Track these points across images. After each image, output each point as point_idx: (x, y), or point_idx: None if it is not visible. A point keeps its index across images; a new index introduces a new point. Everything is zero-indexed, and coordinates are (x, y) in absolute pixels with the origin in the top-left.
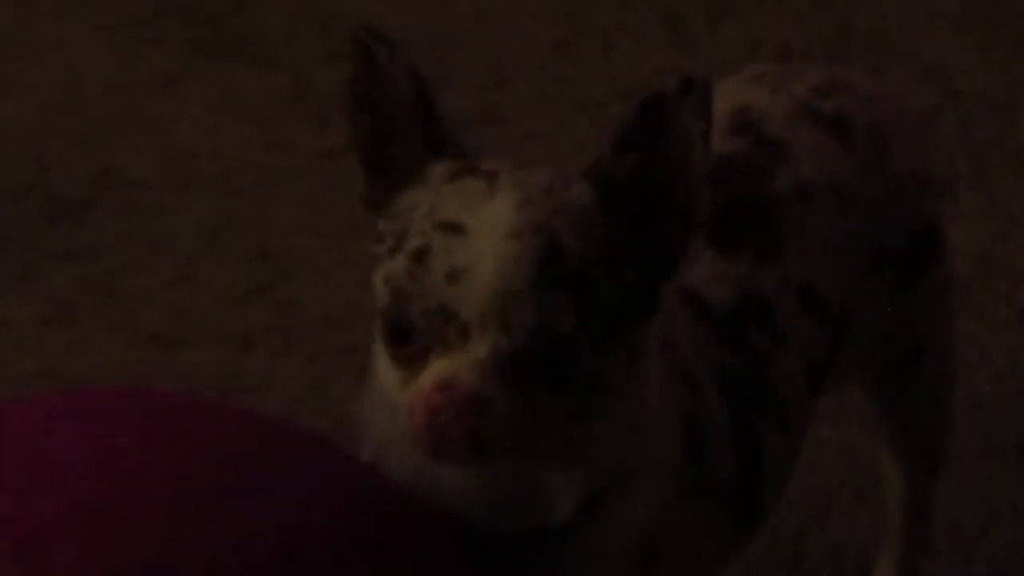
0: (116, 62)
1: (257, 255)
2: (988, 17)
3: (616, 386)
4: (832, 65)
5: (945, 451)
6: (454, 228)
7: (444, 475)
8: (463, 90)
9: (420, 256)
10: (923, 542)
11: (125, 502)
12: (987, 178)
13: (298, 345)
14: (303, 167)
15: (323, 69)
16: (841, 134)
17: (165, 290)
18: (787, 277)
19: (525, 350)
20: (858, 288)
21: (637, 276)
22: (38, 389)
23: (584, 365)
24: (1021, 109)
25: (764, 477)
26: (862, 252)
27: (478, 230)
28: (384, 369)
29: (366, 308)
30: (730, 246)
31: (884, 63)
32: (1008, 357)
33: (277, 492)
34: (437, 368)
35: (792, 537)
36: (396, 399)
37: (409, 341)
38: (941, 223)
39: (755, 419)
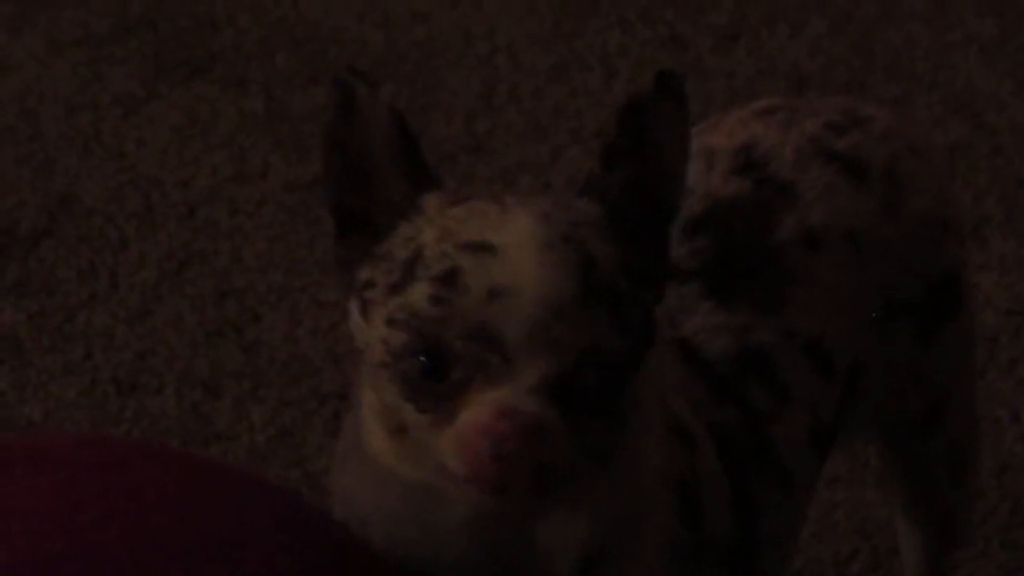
0: (76, 81)
1: (225, 293)
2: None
3: (628, 424)
4: (850, 95)
5: (969, 519)
6: (482, 247)
7: (443, 535)
8: (450, 117)
9: (450, 279)
10: None
11: (81, 557)
12: (1020, 221)
13: (267, 391)
14: (276, 198)
15: (298, 92)
16: (855, 175)
17: (125, 329)
18: (791, 330)
19: (574, 371)
20: (870, 341)
21: (648, 295)
22: None
23: (623, 390)
24: None
25: (762, 543)
26: (875, 302)
27: (508, 246)
28: (380, 426)
29: (340, 352)
30: (729, 296)
31: (908, 92)
32: None
33: (242, 551)
34: (491, 398)
35: None
36: (396, 451)
37: (440, 377)
38: (963, 270)
39: (754, 480)
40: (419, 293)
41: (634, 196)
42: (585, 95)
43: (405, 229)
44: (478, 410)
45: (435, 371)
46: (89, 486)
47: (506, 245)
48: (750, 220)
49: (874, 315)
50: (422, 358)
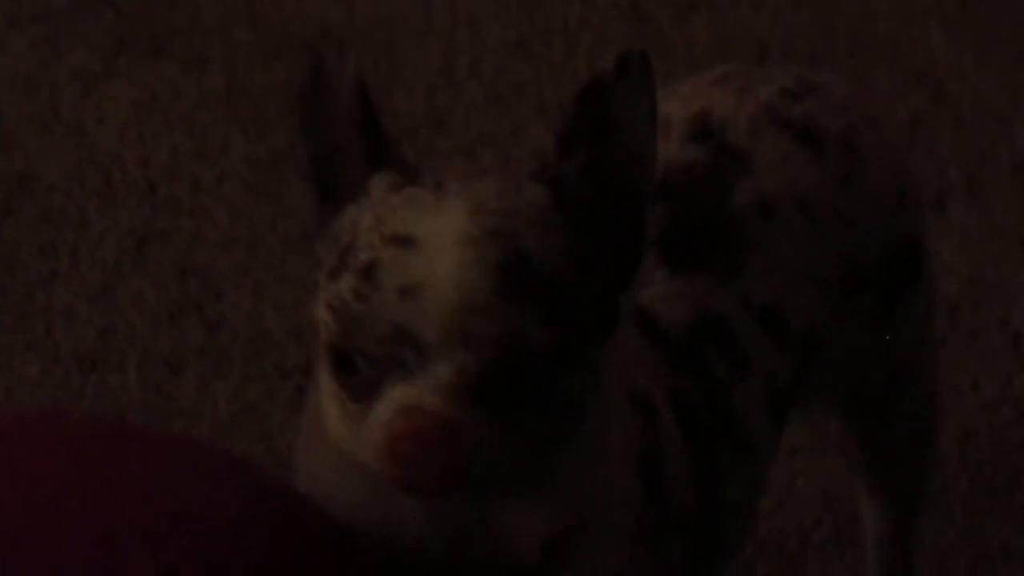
0: (34, 58)
1: (186, 270)
2: (985, 15)
3: (584, 411)
4: (810, 66)
5: (929, 489)
6: (403, 240)
7: (401, 518)
8: (411, 92)
9: (369, 272)
10: None
11: (43, 534)
12: (981, 192)
13: (231, 367)
14: (237, 175)
15: (259, 69)
16: (810, 143)
17: (87, 306)
18: (748, 297)
19: (493, 368)
20: (828, 310)
21: (602, 283)
22: None
23: (559, 384)
24: (1019, 117)
25: (725, 512)
26: (832, 272)
27: (428, 240)
28: (334, 408)
29: (304, 328)
30: (685, 264)
31: (869, 65)
32: (1001, 386)
33: (208, 526)
34: (396, 395)
35: None
36: (346, 435)
37: (360, 369)
38: (923, 240)
39: (715, 449)
40: (346, 284)
41: (594, 181)
42: (547, 69)
43: (352, 211)
44: (383, 407)
45: (354, 364)
46: (50, 461)
47: (426, 239)
48: (706, 188)
49: (831, 285)
50: (343, 349)
